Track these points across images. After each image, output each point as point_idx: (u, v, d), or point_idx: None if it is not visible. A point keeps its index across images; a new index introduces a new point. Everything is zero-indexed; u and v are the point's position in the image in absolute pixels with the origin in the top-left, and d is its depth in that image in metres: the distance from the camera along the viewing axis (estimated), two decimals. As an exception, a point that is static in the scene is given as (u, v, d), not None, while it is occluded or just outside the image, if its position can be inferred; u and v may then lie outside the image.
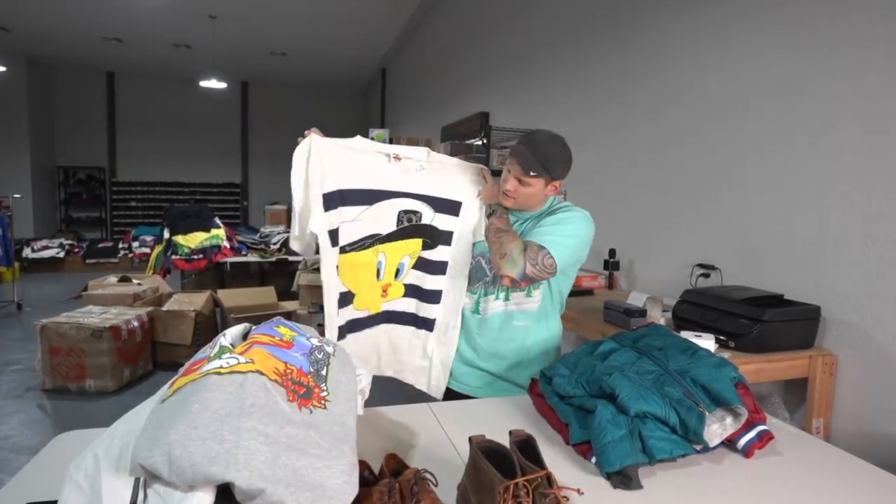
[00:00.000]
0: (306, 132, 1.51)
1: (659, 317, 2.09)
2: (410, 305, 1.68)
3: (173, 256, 5.57)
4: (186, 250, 5.56)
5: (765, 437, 1.10)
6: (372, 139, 4.04)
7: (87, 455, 0.77)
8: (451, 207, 1.64)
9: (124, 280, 5.48)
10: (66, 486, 0.75)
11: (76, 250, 9.57)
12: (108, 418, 0.80)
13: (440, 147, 4.37)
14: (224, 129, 12.14)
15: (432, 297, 1.66)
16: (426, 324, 1.68)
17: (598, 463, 1.02)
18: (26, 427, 3.31)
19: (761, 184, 2.16)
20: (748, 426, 1.11)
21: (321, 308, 4.68)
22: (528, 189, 1.52)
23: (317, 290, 4.98)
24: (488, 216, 1.59)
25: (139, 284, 5.31)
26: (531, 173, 1.48)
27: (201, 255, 5.58)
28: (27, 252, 9.00)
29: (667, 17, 2.70)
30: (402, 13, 7.34)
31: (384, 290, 1.64)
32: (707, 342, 1.60)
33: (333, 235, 1.52)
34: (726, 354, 1.73)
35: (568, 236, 1.51)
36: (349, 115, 12.73)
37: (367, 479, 0.85)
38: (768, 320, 1.73)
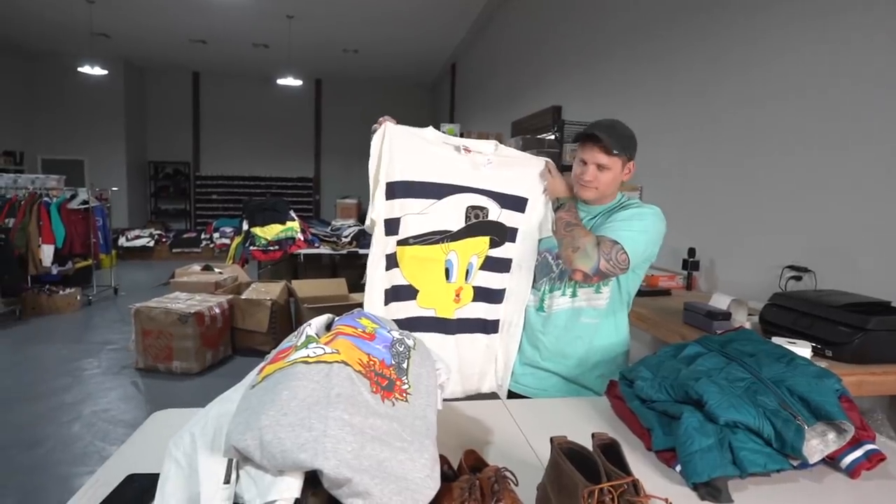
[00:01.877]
0: (381, 119, 1.53)
1: (744, 321, 1.97)
2: (479, 310, 1.62)
3: (251, 247, 5.85)
4: (263, 241, 5.82)
5: (874, 458, 1.01)
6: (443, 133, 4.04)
7: (184, 434, 0.82)
8: (517, 204, 1.59)
9: (207, 269, 5.82)
10: (167, 462, 0.79)
11: (164, 240, 10.27)
12: (193, 398, 0.84)
13: (511, 142, 4.32)
14: (298, 126, 12.60)
15: (497, 296, 1.62)
16: (493, 326, 1.64)
17: (684, 472, 0.97)
18: (122, 402, 3.58)
19: (863, 178, 1.98)
20: (854, 444, 1.02)
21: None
22: (608, 174, 1.51)
23: (385, 282, 5.07)
24: (555, 210, 1.56)
25: (220, 273, 5.62)
26: (614, 151, 1.47)
27: (277, 247, 5.82)
28: (122, 241, 9.75)
29: (750, 6, 2.53)
30: (472, 8, 7.32)
31: (457, 295, 1.58)
32: (803, 350, 1.49)
33: (391, 225, 1.52)
34: (823, 364, 1.61)
35: (640, 231, 1.48)
36: (418, 111, 12.87)
37: (447, 474, 0.85)
38: (873, 329, 1.58)
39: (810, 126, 2.23)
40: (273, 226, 5.93)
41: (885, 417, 1.72)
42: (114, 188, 7.80)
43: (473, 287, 1.60)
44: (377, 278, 1.54)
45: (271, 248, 5.83)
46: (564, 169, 3.88)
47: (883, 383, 1.61)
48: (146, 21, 8.40)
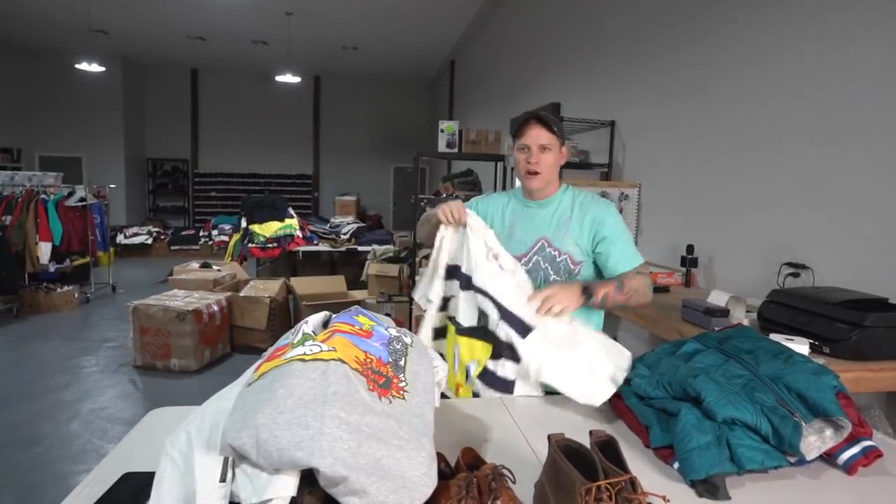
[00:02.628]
0: (454, 211, 1.50)
1: (743, 318, 1.97)
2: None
3: (250, 245, 5.86)
4: (262, 239, 5.82)
5: (871, 454, 1.01)
6: (442, 131, 3.98)
7: (180, 432, 0.81)
8: (521, 328, 1.38)
9: (205, 266, 5.81)
10: (163, 461, 0.79)
11: (162, 237, 10.26)
12: (191, 395, 0.84)
13: (509, 139, 4.30)
14: (297, 123, 12.59)
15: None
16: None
17: (682, 469, 0.97)
18: (120, 399, 3.58)
19: (860, 176, 1.98)
20: (851, 440, 1.02)
21: (390, 297, 4.73)
22: (550, 156, 1.55)
23: (385, 280, 5.08)
24: (588, 297, 1.46)
25: (219, 271, 5.61)
26: (554, 129, 1.54)
27: (275, 244, 5.83)
28: (120, 238, 9.74)
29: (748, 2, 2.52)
30: (471, 4, 7.31)
31: (457, 388, 1.46)
32: (800, 347, 1.49)
33: (445, 302, 1.54)
34: (820, 361, 1.61)
35: (630, 235, 1.62)
36: (417, 108, 12.86)
37: (444, 472, 0.84)
38: (871, 326, 1.58)
39: (809, 124, 2.23)
40: (272, 223, 5.93)
41: (882, 414, 1.73)
42: (112, 185, 7.78)
43: (473, 393, 1.46)
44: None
45: (270, 245, 5.84)
46: (566, 165, 3.87)
47: (880, 380, 1.61)
48: (144, 17, 8.37)
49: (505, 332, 1.37)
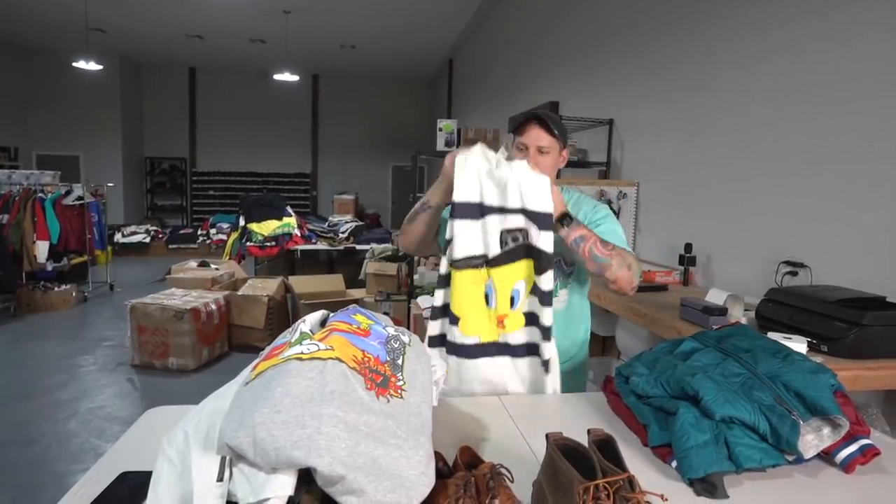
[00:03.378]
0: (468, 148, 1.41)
1: (741, 316, 1.98)
2: (533, 335, 1.39)
3: (248, 243, 5.85)
4: (260, 237, 5.81)
5: (869, 452, 1.01)
6: (440, 130, 3.96)
7: (177, 432, 0.81)
8: (548, 222, 1.33)
9: (203, 265, 5.80)
10: (160, 460, 0.79)
11: (160, 236, 10.24)
12: (189, 394, 0.84)
13: (508, 137, 4.31)
14: (295, 121, 12.57)
15: (548, 333, 1.36)
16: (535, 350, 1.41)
17: (680, 468, 0.97)
18: (118, 399, 3.58)
19: (857, 175, 1.98)
20: (849, 439, 1.02)
21: (388, 296, 4.74)
22: (548, 159, 1.49)
23: (383, 278, 5.07)
24: (563, 224, 1.41)
25: (217, 269, 5.61)
26: (555, 132, 1.48)
27: (274, 243, 5.82)
28: (118, 237, 9.72)
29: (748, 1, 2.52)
30: (470, 3, 7.30)
31: (500, 322, 1.38)
32: (798, 345, 1.49)
33: (448, 245, 1.39)
34: (818, 359, 1.61)
35: (621, 231, 1.55)
36: (416, 106, 12.85)
37: (442, 471, 0.84)
38: (868, 324, 1.59)
39: (807, 123, 2.23)
40: (270, 222, 5.93)
41: (879, 412, 1.73)
42: (109, 184, 7.77)
43: (525, 314, 1.38)
44: (438, 296, 1.41)
45: (268, 244, 5.83)
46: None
47: (878, 378, 1.62)
48: (142, 16, 8.35)
49: (546, 240, 1.31)
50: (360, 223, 6.95)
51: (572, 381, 1.59)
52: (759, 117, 2.49)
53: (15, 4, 7.89)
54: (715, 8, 2.80)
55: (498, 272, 1.35)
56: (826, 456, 1.03)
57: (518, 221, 1.34)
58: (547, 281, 1.31)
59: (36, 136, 10.79)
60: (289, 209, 6.18)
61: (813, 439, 1.00)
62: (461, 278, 1.35)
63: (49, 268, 6.08)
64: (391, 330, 0.94)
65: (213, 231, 10.13)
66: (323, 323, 0.97)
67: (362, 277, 5.47)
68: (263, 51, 10.13)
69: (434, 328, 1.42)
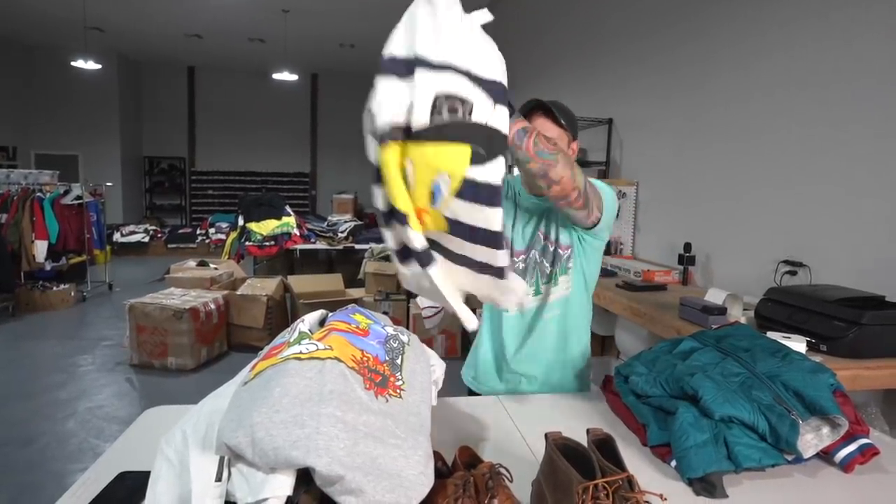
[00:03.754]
0: None
1: (740, 315, 1.98)
2: (463, 247, 0.98)
3: (247, 243, 5.84)
4: (259, 237, 5.81)
5: (868, 452, 1.01)
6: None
7: (176, 432, 0.81)
8: (502, 96, 0.96)
9: (202, 265, 5.79)
10: (158, 460, 0.79)
11: (159, 235, 10.23)
12: (188, 394, 0.84)
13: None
14: (294, 121, 12.55)
15: (491, 239, 0.95)
16: (490, 269, 0.99)
17: (679, 468, 0.97)
18: (116, 398, 3.57)
19: (858, 174, 1.98)
20: (848, 438, 1.02)
21: (387, 295, 4.74)
22: None
23: (382, 278, 5.07)
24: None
25: (216, 269, 5.60)
26: (562, 122, 1.40)
27: (273, 242, 5.82)
28: (117, 236, 9.71)
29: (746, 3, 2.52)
30: (469, 3, 7.29)
31: (418, 216, 0.95)
32: (797, 344, 1.49)
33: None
34: (817, 359, 1.61)
35: (611, 200, 1.41)
36: (414, 106, 12.83)
37: (441, 471, 0.84)
38: (867, 323, 1.59)
39: (806, 122, 2.23)
40: (269, 221, 5.92)
41: (879, 411, 1.73)
42: (108, 183, 7.75)
43: (447, 218, 0.94)
44: (378, 196, 1.04)
45: (267, 243, 5.82)
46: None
47: (877, 377, 1.62)
48: (141, 15, 8.33)
49: (502, 117, 0.94)
50: (360, 223, 6.94)
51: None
52: (758, 116, 2.49)
53: (13, 2, 7.87)
54: (714, 8, 2.80)
55: (418, 151, 0.91)
56: (825, 455, 1.03)
57: (460, 86, 0.92)
58: (494, 172, 0.91)
59: (34, 135, 10.77)
60: (288, 209, 6.18)
61: (812, 439, 1.00)
62: (390, 157, 0.95)
63: (48, 267, 6.07)
64: (390, 329, 0.94)
65: (211, 230, 10.11)
66: (322, 322, 0.97)
67: (361, 277, 5.46)
68: (262, 50, 10.12)
69: (390, 240, 1.03)
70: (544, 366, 1.51)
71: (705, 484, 0.93)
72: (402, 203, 0.92)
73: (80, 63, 8.26)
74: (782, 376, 1.06)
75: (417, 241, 0.94)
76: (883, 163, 1.90)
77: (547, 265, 1.50)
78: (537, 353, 1.50)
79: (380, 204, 1.00)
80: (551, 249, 1.48)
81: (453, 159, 0.91)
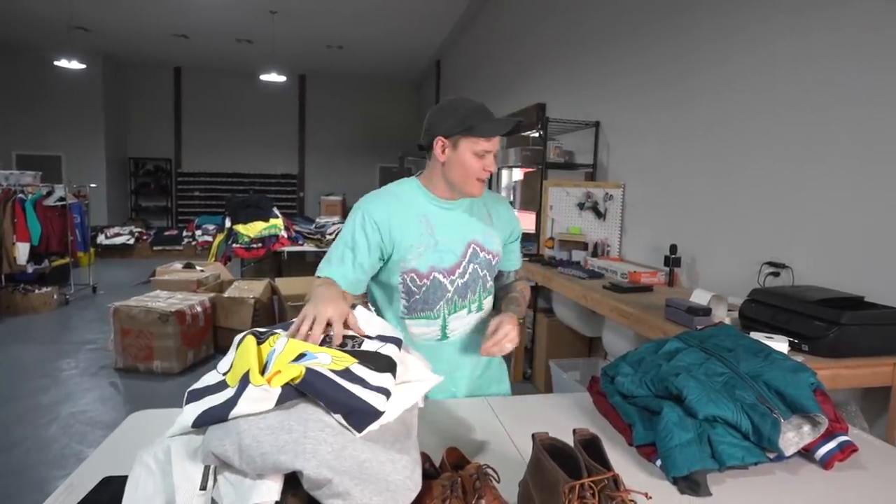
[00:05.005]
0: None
1: (724, 316, 2.00)
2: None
3: (234, 245, 5.80)
4: (246, 239, 5.77)
5: (847, 449, 1.03)
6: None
7: (159, 442, 0.81)
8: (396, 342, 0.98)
9: (188, 267, 5.74)
10: (136, 468, 0.78)
11: (144, 237, 10.11)
12: (174, 398, 0.83)
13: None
14: (282, 122, 12.49)
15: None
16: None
17: (664, 467, 0.98)
18: (100, 403, 3.53)
19: (839, 177, 2.02)
20: (828, 436, 1.04)
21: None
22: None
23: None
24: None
25: (202, 271, 5.55)
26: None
27: (260, 244, 5.78)
28: (101, 238, 9.58)
29: (737, 4, 2.56)
30: (457, 5, 7.31)
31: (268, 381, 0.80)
32: (780, 344, 1.51)
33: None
34: (799, 358, 1.64)
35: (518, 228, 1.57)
36: (403, 107, 12.83)
37: (429, 472, 0.84)
38: (847, 323, 1.62)
39: (789, 126, 2.26)
40: (256, 223, 5.88)
41: (858, 409, 1.76)
42: (92, 185, 7.66)
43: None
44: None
45: (254, 245, 5.79)
46: (551, 166, 3.84)
47: (856, 376, 1.65)
48: (126, 15, 8.24)
49: (392, 350, 0.94)
50: (348, 224, 6.91)
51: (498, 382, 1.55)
52: (742, 121, 2.53)
53: (-6, 2, 7.76)
54: (698, 13, 2.84)
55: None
56: (806, 453, 1.05)
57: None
58: (378, 379, 0.84)
59: (16, 135, 10.60)
60: (275, 210, 6.14)
61: (793, 437, 1.02)
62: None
63: (29, 270, 5.98)
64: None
65: (198, 232, 10.02)
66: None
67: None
68: (250, 51, 10.06)
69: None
70: (479, 371, 1.49)
71: (690, 482, 0.95)
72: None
73: (63, 63, 8.15)
74: (764, 376, 1.08)
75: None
76: (862, 168, 1.93)
77: (490, 280, 1.45)
78: (469, 363, 1.46)
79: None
80: (493, 263, 1.44)
81: (336, 353, 0.89)
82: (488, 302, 1.47)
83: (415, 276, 1.34)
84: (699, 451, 0.96)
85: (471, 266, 1.39)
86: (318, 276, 1.31)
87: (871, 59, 1.91)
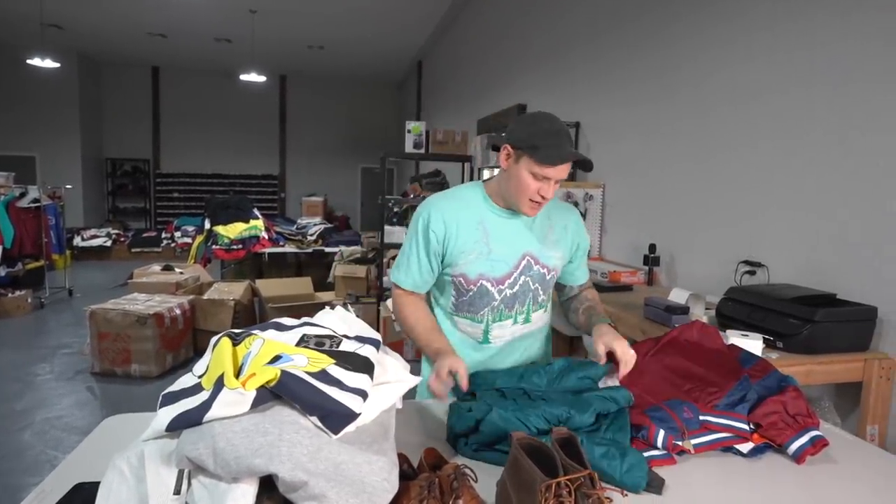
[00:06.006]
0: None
1: (702, 315, 2.03)
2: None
3: (213, 246, 5.73)
4: (226, 240, 5.70)
5: (818, 443, 1.05)
6: (409, 132, 3.91)
7: (132, 446, 0.79)
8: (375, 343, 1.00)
9: (167, 269, 5.66)
10: (109, 473, 0.77)
11: (122, 239, 9.93)
12: (152, 402, 0.82)
13: (476, 140, 4.33)
14: (263, 122, 12.38)
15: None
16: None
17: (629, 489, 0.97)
18: (76, 408, 3.46)
19: (812, 177, 2.06)
20: (800, 431, 1.06)
21: (357, 298, 4.70)
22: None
23: (352, 281, 5.04)
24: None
25: (181, 273, 5.47)
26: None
27: (240, 246, 5.72)
28: (77, 240, 9.39)
29: (714, 5, 2.60)
30: (439, 6, 7.32)
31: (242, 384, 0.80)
32: (754, 342, 1.54)
33: None
34: (774, 355, 1.67)
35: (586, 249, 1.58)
36: (385, 108, 12.80)
37: (407, 473, 0.84)
38: (820, 320, 1.65)
39: (764, 128, 2.31)
40: (236, 224, 5.82)
41: (832, 405, 1.80)
42: (67, 186, 7.50)
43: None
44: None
45: (234, 247, 5.72)
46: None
47: (829, 372, 1.68)
48: (101, 12, 8.10)
49: (370, 352, 0.95)
50: (329, 225, 6.89)
51: None
52: (718, 123, 2.57)
53: (-36, -2, 7.57)
54: (677, 16, 2.87)
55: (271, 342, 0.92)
56: (780, 448, 1.07)
57: (323, 331, 1.02)
58: (353, 380, 0.85)
59: (-12, 135, 10.36)
60: (256, 211, 6.08)
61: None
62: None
63: (2, 273, 5.84)
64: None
65: (177, 234, 9.87)
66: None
67: (331, 280, 5.42)
68: (229, 50, 9.95)
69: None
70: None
71: (650, 487, 0.96)
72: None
73: (36, 61, 7.96)
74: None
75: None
76: (833, 171, 1.98)
77: (542, 295, 1.45)
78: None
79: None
80: (547, 278, 1.43)
81: (314, 354, 0.89)
82: (538, 316, 1.47)
83: (462, 281, 1.38)
84: (630, 462, 0.95)
85: (522, 278, 1.39)
86: (395, 284, 1.44)
87: (848, 61, 1.96)
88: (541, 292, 1.43)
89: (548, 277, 1.43)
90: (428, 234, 1.35)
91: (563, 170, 1.28)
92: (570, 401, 1.09)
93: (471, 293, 1.38)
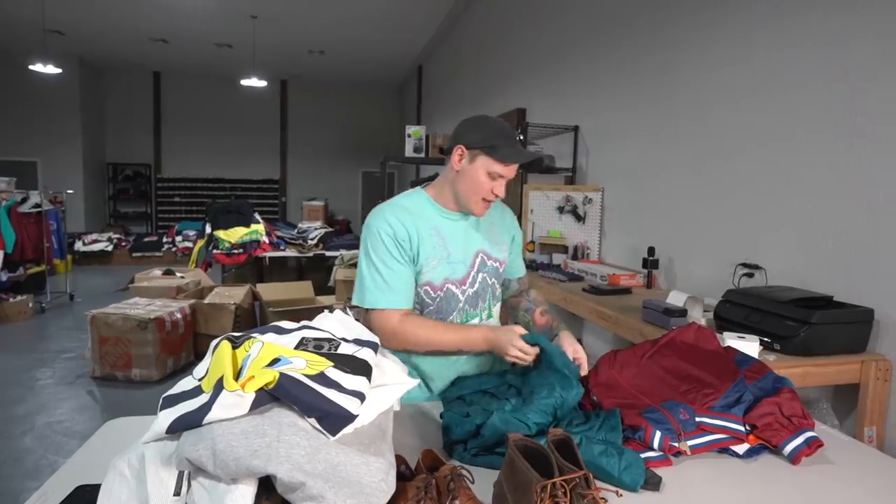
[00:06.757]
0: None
1: (700, 317, 2.04)
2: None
3: (214, 251, 5.73)
4: (227, 245, 5.71)
5: (813, 444, 1.06)
6: (409, 136, 3.91)
7: (133, 448, 0.80)
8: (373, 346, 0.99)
9: (168, 273, 5.67)
10: (110, 475, 0.78)
11: (123, 244, 9.95)
12: (153, 406, 0.83)
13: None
14: (263, 127, 12.41)
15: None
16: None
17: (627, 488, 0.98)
18: (77, 412, 3.46)
19: (810, 180, 2.07)
20: (795, 432, 1.07)
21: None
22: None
23: (352, 284, 5.04)
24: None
25: (182, 277, 5.48)
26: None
27: (241, 250, 5.72)
28: (78, 245, 9.41)
29: (711, 8, 2.61)
30: (439, 11, 7.35)
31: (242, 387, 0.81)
32: (751, 344, 1.55)
33: None
34: (771, 357, 1.67)
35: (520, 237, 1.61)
36: (385, 112, 12.83)
37: (404, 474, 0.85)
38: (816, 322, 1.66)
39: (762, 132, 2.32)
40: (237, 228, 5.82)
41: (829, 407, 1.80)
42: (69, 191, 7.52)
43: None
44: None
45: (235, 251, 5.72)
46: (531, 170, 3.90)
47: (826, 374, 1.69)
48: (102, 18, 8.14)
49: (368, 354, 0.95)
50: (330, 229, 6.89)
51: None
52: (715, 127, 2.58)
53: (-33, 5, 7.61)
54: (677, 19, 2.89)
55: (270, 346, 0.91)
56: (775, 449, 1.08)
57: (321, 334, 1.01)
58: (351, 382, 0.85)
59: (-10, 141, 10.40)
60: (257, 216, 6.09)
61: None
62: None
63: (3, 278, 5.85)
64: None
65: (178, 238, 9.89)
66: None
67: (332, 284, 5.42)
68: (230, 56, 9.99)
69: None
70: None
71: (647, 484, 0.97)
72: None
73: (38, 67, 8.00)
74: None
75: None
76: (831, 173, 1.99)
77: (498, 289, 1.49)
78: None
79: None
80: (500, 271, 1.48)
81: (313, 357, 0.90)
82: (496, 310, 1.51)
83: (429, 289, 1.36)
84: (628, 460, 0.96)
85: (479, 275, 1.41)
86: (378, 312, 1.33)
87: (848, 64, 1.97)
88: (497, 286, 1.49)
89: (501, 270, 1.50)
90: (398, 242, 1.32)
91: (514, 168, 1.34)
92: (553, 381, 1.12)
93: (438, 299, 1.37)
